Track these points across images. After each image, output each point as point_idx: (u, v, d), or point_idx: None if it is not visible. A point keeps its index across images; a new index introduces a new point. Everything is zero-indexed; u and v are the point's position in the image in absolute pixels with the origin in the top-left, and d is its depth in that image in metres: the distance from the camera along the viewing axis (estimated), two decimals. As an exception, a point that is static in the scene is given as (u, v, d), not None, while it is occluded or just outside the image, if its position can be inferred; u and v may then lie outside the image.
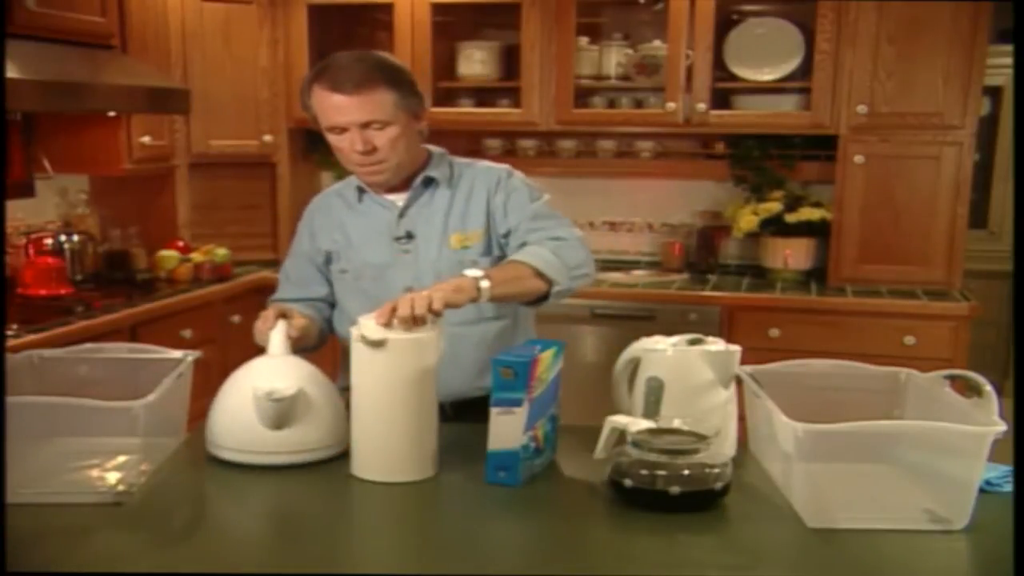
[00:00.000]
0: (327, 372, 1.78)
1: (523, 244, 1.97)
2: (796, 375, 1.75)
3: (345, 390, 2.05)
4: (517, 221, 2.02)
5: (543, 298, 1.90)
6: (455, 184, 2.06)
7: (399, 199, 2.05)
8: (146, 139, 3.64)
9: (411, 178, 2.04)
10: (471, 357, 1.97)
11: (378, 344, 1.59)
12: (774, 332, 3.60)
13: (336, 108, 1.90)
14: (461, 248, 2.03)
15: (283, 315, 1.83)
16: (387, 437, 1.63)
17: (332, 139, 1.96)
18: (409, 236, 2.04)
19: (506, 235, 2.03)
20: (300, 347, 1.87)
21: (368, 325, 1.62)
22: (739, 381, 1.73)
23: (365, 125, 1.91)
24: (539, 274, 1.86)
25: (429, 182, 2.05)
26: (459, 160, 2.12)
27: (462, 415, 1.95)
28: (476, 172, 2.09)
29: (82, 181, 3.86)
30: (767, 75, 3.85)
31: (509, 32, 4.02)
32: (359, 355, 1.63)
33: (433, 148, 2.10)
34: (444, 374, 1.94)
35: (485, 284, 1.75)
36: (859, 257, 3.77)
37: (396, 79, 1.94)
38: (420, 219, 2.05)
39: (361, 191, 2.08)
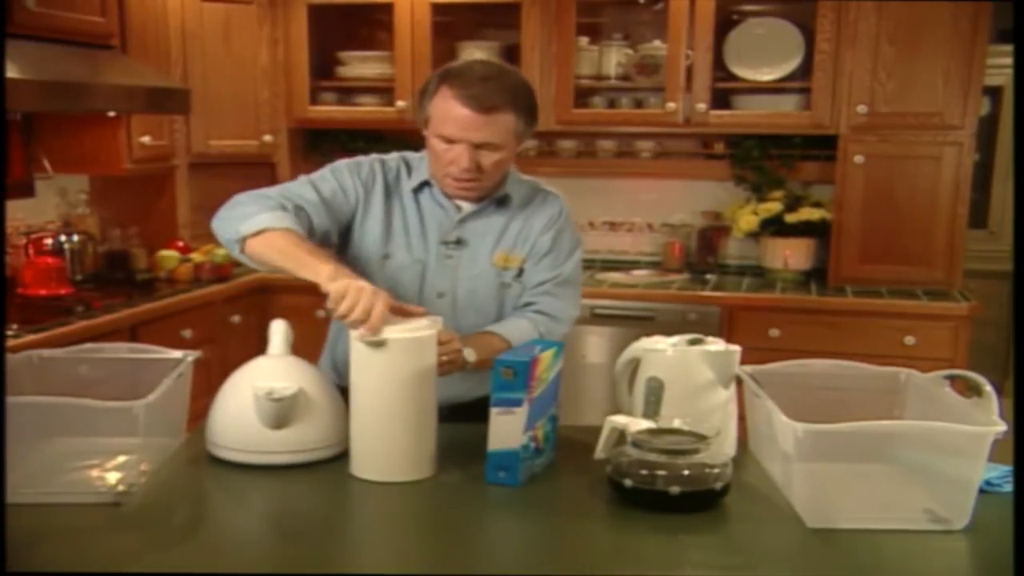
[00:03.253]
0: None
1: (528, 304, 2.02)
2: (796, 375, 1.75)
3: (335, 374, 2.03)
4: (544, 275, 2.02)
5: None
6: (515, 207, 2.04)
7: (464, 204, 2.01)
8: (146, 139, 3.64)
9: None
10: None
11: (377, 344, 1.59)
12: (774, 332, 3.61)
13: (459, 121, 1.85)
14: (502, 268, 2.01)
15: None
16: (386, 437, 1.63)
17: (437, 144, 1.90)
18: (459, 243, 2.00)
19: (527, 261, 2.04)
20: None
21: None
22: (739, 381, 1.73)
23: (479, 145, 1.88)
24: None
25: (503, 201, 2.03)
26: (521, 178, 2.09)
27: (457, 417, 1.95)
28: (539, 199, 2.07)
29: (82, 181, 3.86)
30: (767, 75, 3.85)
31: (509, 32, 4.02)
32: (358, 354, 1.63)
33: None
34: (444, 378, 1.96)
35: (471, 359, 1.86)
36: (859, 257, 3.77)
37: (524, 106, 1.91)
38: (475, 230, 2.01)
39: (425, 183, 2.01)
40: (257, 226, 1.79)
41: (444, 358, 1.75)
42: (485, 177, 1.92)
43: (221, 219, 1.88)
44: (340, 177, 1.99)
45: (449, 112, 1.86)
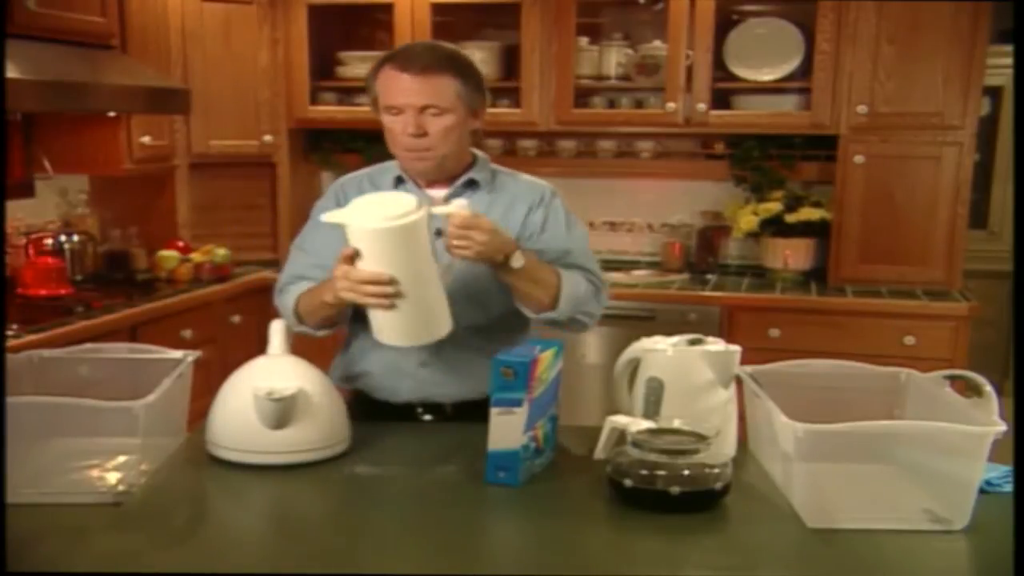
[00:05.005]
0: (327, 372, 1.77)
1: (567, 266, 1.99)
2: (796, 375, 1.75)
3: (345, 380, 2.07)
4: (553, 250, 2.00)
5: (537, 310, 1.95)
6: (496, 192, 2.04)
7: (438, 194, 2.01)
8: (146, 139, 3.64)
9: (453, 177, 2.01)
10: (477, 362, 1.94)
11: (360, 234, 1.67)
12: (774, 332, 3.61)
13: (399, 88, 1.90)
14: None
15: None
16: (397, 311, 1.71)
17: (386, 120, 1.94)
18: (437, 234, 1.97)
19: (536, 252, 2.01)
20: (328, 323, 1.96)
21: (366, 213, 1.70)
22: (739, 381, 1.73)
23: (422, 109, 1.90)
24: (556, 296, 1.91)
25: (471, 184, 2.02)
26: (502, 169, 2.10)
27: (462, 416, 1.96)
28: (520, 185, 2.07)
29: (82, 181, 3.86)
30: (767, 75, 3.85)
31: (509, 32, 4.02)
32: (355, 242, 1.70)
33: (478, 152, 2.08)
34: (452, 377, 1.95)
35: (516, 264, 1.83)
36: (859, 257, 3.77)
37: (465, 71, 1.95)
38: None
39: (399, 180, 2.04)
40: (290, 307, 1.98)
41: (456, 241, 1.76)
42: (437, 144, 1.93)
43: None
44: (318, 226, 2.01)
45: (390, 82, 1.91)
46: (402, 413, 2.02)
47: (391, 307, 1.73)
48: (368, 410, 2.04)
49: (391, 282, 1.70)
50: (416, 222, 1.68)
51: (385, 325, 1.77)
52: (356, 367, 2.07)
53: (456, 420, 1.96)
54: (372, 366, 2.04)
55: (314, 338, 2.02)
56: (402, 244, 1.69)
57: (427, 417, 2.03)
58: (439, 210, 1.72)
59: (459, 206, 1.73)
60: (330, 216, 1.71)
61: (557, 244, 2.01)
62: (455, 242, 1.76)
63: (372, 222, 1.68)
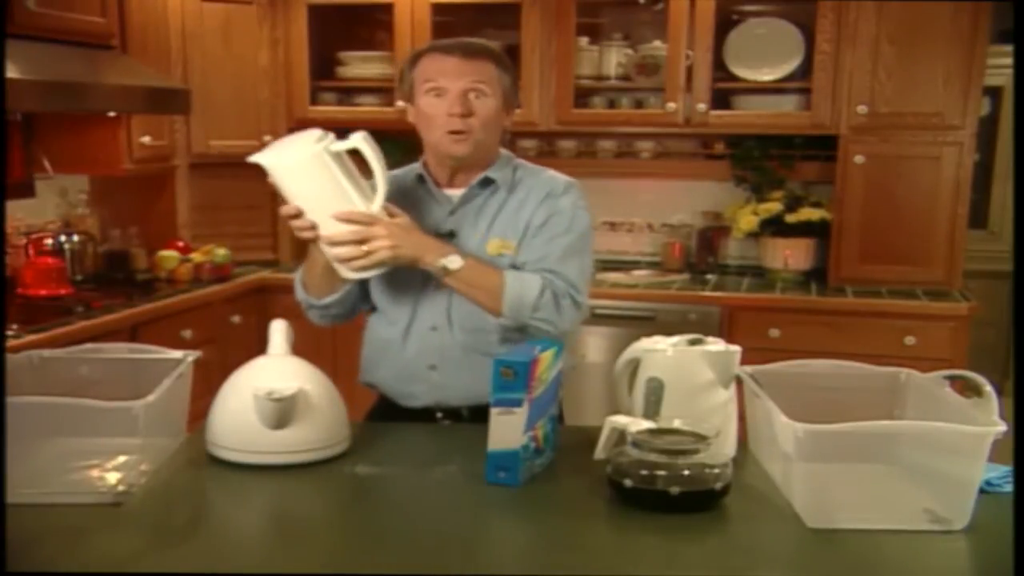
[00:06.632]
0: (327, 372, 1.78)
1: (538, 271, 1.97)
2: (796, 375, 1.75)
3: (370, 385, 2.10)
4: (537, 250, 1.97)
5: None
6: (512, 189, 2.03)
7: (456, 194, 2.02)
8: (146, 139, 3.64)
9: (478, 173, 2.01)
10: (487, 365, 1.93)
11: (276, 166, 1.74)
12: (774, 332, 3.61)
13: (444, 70, 1.93)
14: (497, 254, 1.98)
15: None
16: (338, 238, 1.80)
17: (426, 103, 1.94)
18: (451, 235, 1.99)
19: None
20: (325, 289, 1.99)
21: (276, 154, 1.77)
22: (739, 381, 1.73)
23: (467, 91, 1.92)
24: (501, 301, 1.90)
25: (487, 183, 2.02)
26: (525, 164, 2.09)
27: (479, 418, 1.95)
28: (539, 180, 2.05)
29: (82, 181, 3.86)
30: (767, 75, 3.85)
31: (509, 32, 4.02)
32: (279, 182, 1.78)
33: (502, 150, 2.07)
34: (464, 380, 1.95)
35: (453, 266, 1.86)
36: (859, 257, 3.78)
37: (503, 63, 1.99)
38: (467, 219, 2.00)
39: (421, 179, 2.04)
40: (298, 277, 2.06)
41: (364, 248, 1.80)
42: (478, 127, 1.93)
43: (303, 308, 2.09)
44: None
45: (434, 66, 1.95)
46: (421, 418, 2.01)
47: (315, 239, 1.82)
48: (391, 414, 2.04)
49: (298, 214, 1.80)
50: (301, 160, 1.72)
51: (332, 257, 1.84)
52: (371, 374, 2.08)
53: (472, 422, 1.95)
54: (385, 373, 2.05)
55: (322, 325, 2.08)
56: (297, 178, 1.76)
57: (446, 423, 2.02)
58: (338, 145, 1.74)
59: (354, 140, 1.74)
60: (254, 157, 1.78)
61: (546, 244, 1.98)
62: (363, 248, 1.80)
63: (265, 158, 1.75)
